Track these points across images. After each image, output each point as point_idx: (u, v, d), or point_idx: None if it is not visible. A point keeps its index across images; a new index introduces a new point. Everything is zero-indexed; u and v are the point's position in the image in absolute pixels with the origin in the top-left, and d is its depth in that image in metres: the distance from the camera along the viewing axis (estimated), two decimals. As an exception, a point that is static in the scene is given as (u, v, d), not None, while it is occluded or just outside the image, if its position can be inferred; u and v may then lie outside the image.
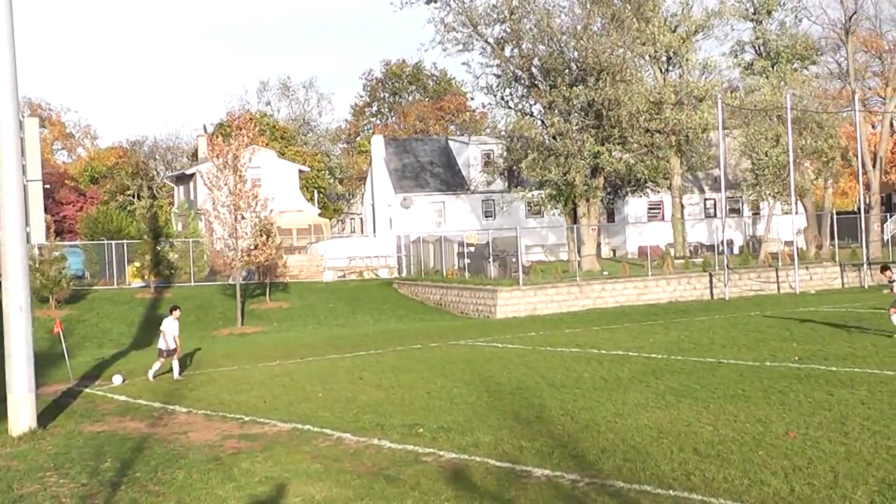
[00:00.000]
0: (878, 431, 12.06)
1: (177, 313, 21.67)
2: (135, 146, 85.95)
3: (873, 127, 55.27)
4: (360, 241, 58.01)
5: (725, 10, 50.74)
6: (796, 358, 19.02)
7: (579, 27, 44.14)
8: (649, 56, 47.76)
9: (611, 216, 61.36)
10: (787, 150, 41.83)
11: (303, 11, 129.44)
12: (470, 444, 12.51)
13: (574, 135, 42.64)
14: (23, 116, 15.69)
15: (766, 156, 45.51)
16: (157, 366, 20.98)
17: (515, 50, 45.38)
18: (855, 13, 51.27)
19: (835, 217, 47.57)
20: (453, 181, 61.25)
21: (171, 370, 21.04)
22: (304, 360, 23.52)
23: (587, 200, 44.55)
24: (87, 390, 19.74)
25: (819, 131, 46.06)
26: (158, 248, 40.95)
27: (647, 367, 18.79)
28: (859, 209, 47.82)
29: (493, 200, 59.01)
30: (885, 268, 24.43)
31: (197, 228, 49.95)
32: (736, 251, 51.18)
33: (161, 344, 21.15)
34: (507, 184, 56.26)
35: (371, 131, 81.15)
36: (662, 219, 59.37)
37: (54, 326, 22.59)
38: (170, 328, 21.03)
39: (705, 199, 62.80)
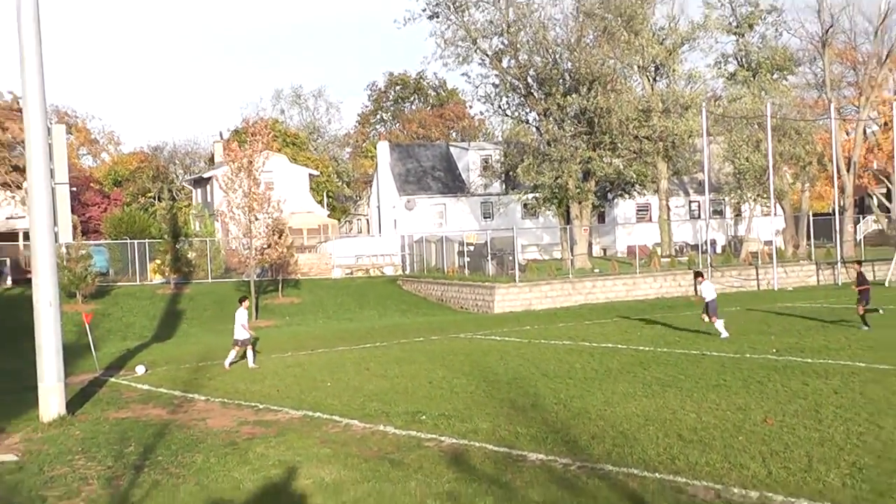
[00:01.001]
0: (849, 419, 12.10)
1: (246, 303, 21.34)
2: (155, 151, 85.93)
3: (847, 134, 55.13)
4: (367, 240, 58.04)
5: (710, 23, 50.72)
6: (774, 350, 19.05)
7: (573, 39, 44.17)
8: (638, 67, 47.74)
9: (601, 217, 61.35)
10: (766, 156, 41.86)
11: (314, 25, 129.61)
12: (469, 430, 12.53)
13: (567, 141, 42.67)
14: (51, 123, 15.74)
15: (748, 161, 45.49)
16: (250, 355, 20.65)
17: (512, 61, 45.39)
18: (831, 26, 51.27)
19: (811, 218, 47.57)
20: (454, 184, 61.26)
21: (244, 357, 20.72)
22: (315, 351, 23.54)
23: (579, 203, 44.58)
24: (112, 379, 19.77)
25: (797, 138, 46.02)
26: (178, 247, 41.04)
27: (635, 359, 18.82)
28: (834, 211, 47.82)
29: (491, 202, 59.09)
30: (697, 274, 24.50)
31: (213, 228, 49.96)
32: (718, 250, 51.16)
33: (238, 335, 20.74)
34: (504, 187, 56.36)
35: (376, 138, 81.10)
36: (650, 220, 59.36)
37: (84, 317, 22.65)
38: (240, 318, 20.71)
39: (690, 202, 62.82)
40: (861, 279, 23.03)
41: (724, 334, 21.75)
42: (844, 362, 16.94)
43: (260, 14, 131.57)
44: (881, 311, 23.71)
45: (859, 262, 25.55)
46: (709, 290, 22.75)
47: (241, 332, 20.65)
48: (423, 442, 11.97)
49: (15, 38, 14.80)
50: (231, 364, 20.80)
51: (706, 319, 22.48)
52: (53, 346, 14.95)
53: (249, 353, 20.78)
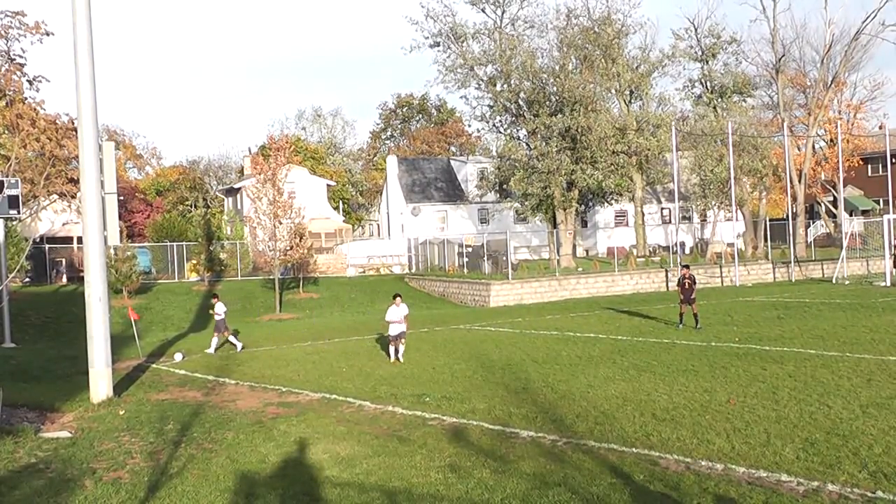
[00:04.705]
0: (802, 399, 12.07)
1: (398, 300, 18.64)
2: (192, 165, 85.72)
3: (799, 149, 55.02)
4: (377, 242, 57.96)
5: (678, 52, 50.69)
6: (736, 339, 19.01)
7: (557, 67, 44.12)
8: (615, 90, 47.70)
9: (584, 222, 61.27)
10: (728, 168, 41.80)
11: (331, 53, 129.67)
12: (468, 410, 12.50)
13: (553, 156, 42.59)
14: (101, 141, 15.69)
15: (712, 173, 45.43)
16: (401, 348, 18.28)
17: (505, 86, 45.34)
18: (783, 56, 51.25)
19: (768, 223, 47.50)
20: (454, 193, 61.20)
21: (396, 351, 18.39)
22: (331, 341, 23.49)
23: (564, 209, 44.50)
24: (154, 365, 19.73)
25: (755, 152, 45.96)
26: (211, 249, 41.00)
27: (614, 347, 18.77)
28: (788, 217, 47.75)
29: (487, 209, 59.00)
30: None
31: (243, 232, 49.88)
32: (687, 251, 51.04)
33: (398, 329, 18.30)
34: (498, 196, 56.30)
35: (386, 152, 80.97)
36: (627, 224, 59.29)
37: (129, 311, 22.55)
38: (400, 313, 18.29)
39: (662, 208, 62.72)
40: (691, 281, 21.94)
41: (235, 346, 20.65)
42: (798, 350, 16.91)
43: (285, 44, 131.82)
44: (680, 327, 22.06)
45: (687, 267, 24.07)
46: (220, 309, 21.46)
47: (400, 326, 18.28)
48: (427, 421, 11.94)
49: (71, 68, 14.88)
50: (399, 355, 18.28)
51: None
52: (102, 335, 14.92)
53: (401, 347, 18.36)
